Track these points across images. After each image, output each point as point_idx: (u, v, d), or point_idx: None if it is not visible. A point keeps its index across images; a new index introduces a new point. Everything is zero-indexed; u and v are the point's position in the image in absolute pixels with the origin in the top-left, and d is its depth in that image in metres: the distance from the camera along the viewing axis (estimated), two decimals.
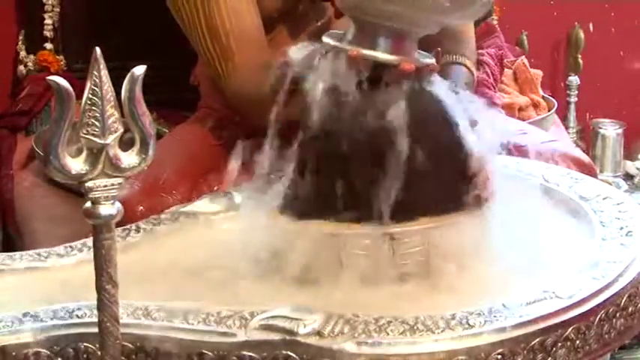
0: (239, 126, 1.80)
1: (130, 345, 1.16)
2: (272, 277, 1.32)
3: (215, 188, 1.69)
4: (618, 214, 1.37)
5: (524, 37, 2.81)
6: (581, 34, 2.88)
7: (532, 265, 1.30)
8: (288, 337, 1.13)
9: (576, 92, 2.87)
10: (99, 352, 1.07)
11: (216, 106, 1.88)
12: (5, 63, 2.41)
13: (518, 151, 1.78)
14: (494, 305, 1.17)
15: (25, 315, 1.22)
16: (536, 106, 2.38)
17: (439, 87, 1.33)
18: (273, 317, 1.16)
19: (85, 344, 1.19)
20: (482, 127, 1.35)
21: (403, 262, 1.27)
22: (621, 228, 1.33)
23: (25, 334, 1.19)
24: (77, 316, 1.21)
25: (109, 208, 1.01)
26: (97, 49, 0.97)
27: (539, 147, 1.79)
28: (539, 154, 1.76)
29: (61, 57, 2.34)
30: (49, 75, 1.02)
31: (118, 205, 1.01)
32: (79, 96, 0.98)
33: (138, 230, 1.44)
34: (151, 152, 1.02)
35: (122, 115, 1.00)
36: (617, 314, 1.21)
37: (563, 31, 2.91)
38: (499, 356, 1.12)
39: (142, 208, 1.63)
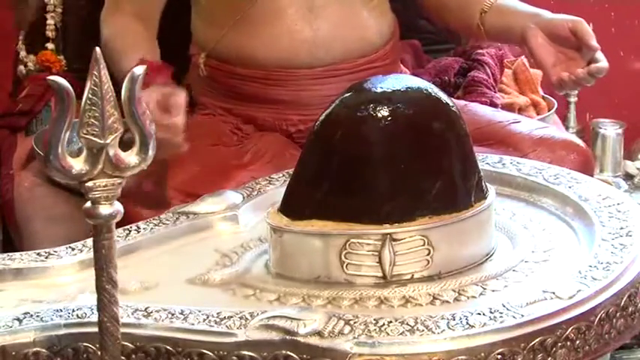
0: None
1: (130, 345, 1.17)
2: (272, 277, 1.32)
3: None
4: (618, 214, 1.37)
5: None
6: None
7: (532, 265, 1.31)
8: (288, 337, 1.13)
9: (576, 92, 2.86)
10: (99, 352, 1.07)
11: (212, 100, 1.90)
12: (5, 63, 2.40)
13: (513, 139, 1.78)
14: (494, 305, 1.17)
15: (25, 315, 1.22)
16: (536, 106, 2.37)
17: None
18: (273, 317, 1.16)
19: (85, 344, 1.19)
20: None
21: (403, 262, 1.27)
22: (621, 228, 1.33)
23: (25, 334, 1.19)
24: (77, 316, 1.21)
25: (109, 208, 1.01)
26: (97, 49, 0.98)
27: (534, 132, 1.78)
28: (535, 140, 1.76)
29: (62, 57, 2.33)
30: (49, 75, 1.02)
31: (118, 205, 1.01)
32: (79, 96, 0.98)
33: (138, 230, 1.44)
34: (150, 152, 1.02)
35: (122, 115, 1.00)
36: (617, 314, 1.21)
37: None
38: (499, 356, 1.12)
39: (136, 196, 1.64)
